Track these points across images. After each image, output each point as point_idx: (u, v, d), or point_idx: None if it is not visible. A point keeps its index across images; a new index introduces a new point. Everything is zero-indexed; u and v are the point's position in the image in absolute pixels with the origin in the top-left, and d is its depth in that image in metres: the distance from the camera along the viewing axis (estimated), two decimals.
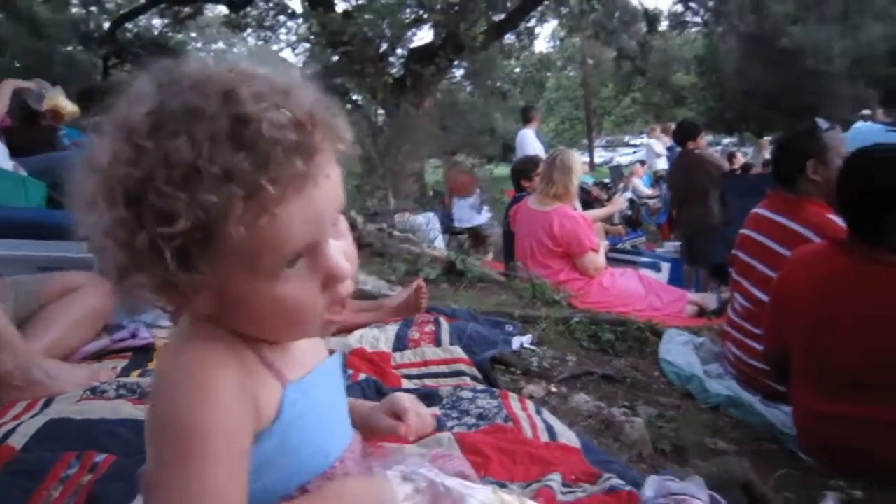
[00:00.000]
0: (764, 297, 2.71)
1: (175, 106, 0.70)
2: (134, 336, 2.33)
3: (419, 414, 1.03)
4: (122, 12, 17.36)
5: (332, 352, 1.01)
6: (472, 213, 9.03)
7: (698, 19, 16.87)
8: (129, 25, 17.42)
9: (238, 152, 0.68)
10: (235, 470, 0.75)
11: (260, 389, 0.80)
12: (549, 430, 1.74)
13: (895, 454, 1.98)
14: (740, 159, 11.47)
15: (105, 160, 0.70)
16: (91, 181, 0.72)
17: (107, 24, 17.50)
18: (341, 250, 0.80)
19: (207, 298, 0.75)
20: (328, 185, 0.75)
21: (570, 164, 4.52)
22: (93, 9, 18.43)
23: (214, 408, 0.74)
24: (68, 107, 3.78)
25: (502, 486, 1.34)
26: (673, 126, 9.97)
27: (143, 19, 18.08)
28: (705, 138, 7.96)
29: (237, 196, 0.68)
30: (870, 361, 2.04)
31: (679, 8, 17.28)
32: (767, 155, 9.87)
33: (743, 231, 3.02)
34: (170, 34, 18.34)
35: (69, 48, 18.39)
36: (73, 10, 18.26)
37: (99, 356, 2.25)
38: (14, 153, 3.32)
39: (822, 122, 2.86)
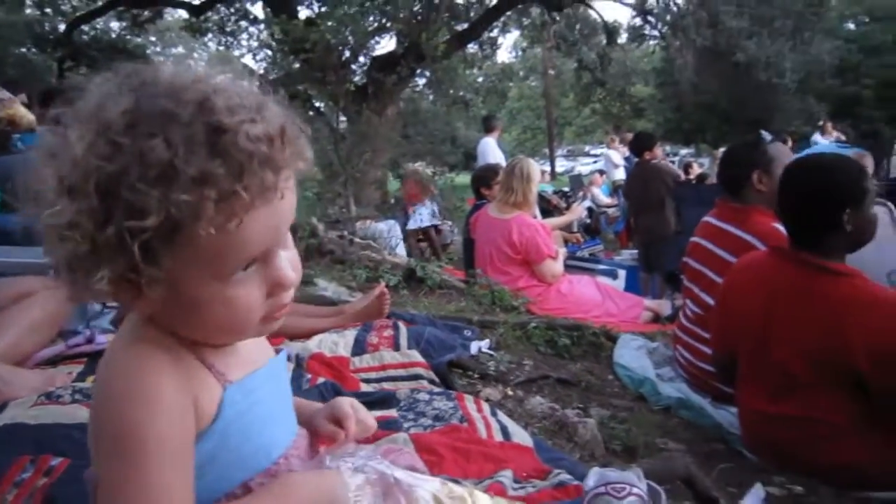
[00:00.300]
0: (712, 303, 2.80)
1: (151, 108, 0.72)
2: (90, 341, 2.31)
3: (360, 420, 1.04)
4: (78, 14, 17.00)
5: (278, 351, 1.04)
6: (428, 217, 9.15)
7: (656, 32, 17.20)
8: (85, 28, 17.07)
9: (214, 159, 0.71)
10: (179, 471, 0.78)
11: (200, 390, 0.83)
12: (504, 430, 1.79)
13: (832, 452, 2.08)
14: (696, 170, 11.78)
15: (77, 151, 0.71)
16: (58, 171, 0.73)
17: (62, 26, 17.15)
18: (289, 260, 0.84)
19: (158, 295, 0.76)
20: (289, 198, 0.79)
21: (529, 172, 4.60)
22: (48, 10, 18.04)
23: (155, 413, 0.77)
24: (26, 116, 3.72)
25: (455, 482, 1.39)
26: (630, 137, 10.19)
27: (100, 22, 17.76)
28: (662, 149, 8.16)
29: (209, 199, 0.71)
30: (806, 363, 2.14)
31: (638, 21, 17.61)
32: None
33: (693, 239, 3.13)
34: (128, 37, 18.05)
35: (23, 50, 17.96)
36: (28, 10, 17.85)
37: (54, 362, 2.22)
38: None
39: (766, 135, 2.99)
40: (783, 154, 3.02)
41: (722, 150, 13.30)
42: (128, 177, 0.70)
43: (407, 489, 0.84)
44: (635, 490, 1.08)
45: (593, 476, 1.14)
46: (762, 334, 2.25)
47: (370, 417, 1.08)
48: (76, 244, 0.72)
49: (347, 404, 1.06)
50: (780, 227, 2.59)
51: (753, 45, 14.68)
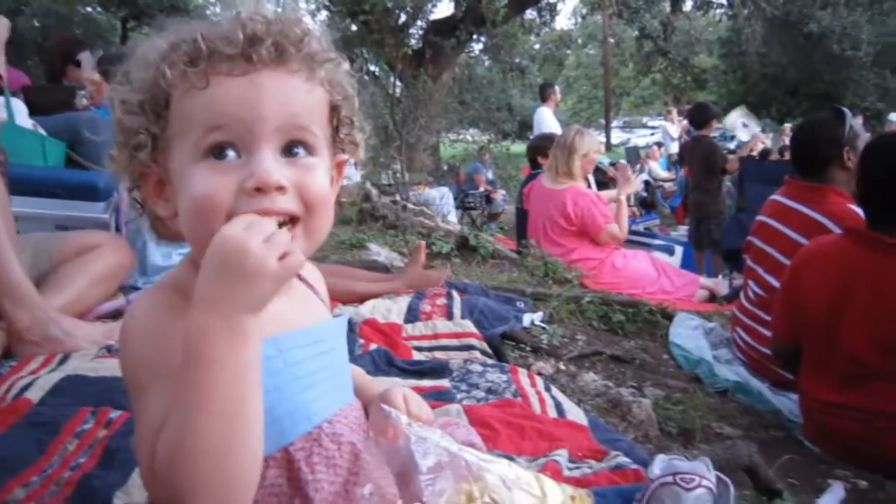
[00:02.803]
0: (778, 285, 2.69)
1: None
2: None
3: (410, 412, 0.97)
4: None
5: (337, 317, 1.01)
6: None
7: (724, 1, 16.56)
8: None
9: (207, 29, 0.81)
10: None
11: None
12: (558, 406, 1.75)
13: None
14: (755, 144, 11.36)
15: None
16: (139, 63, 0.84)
17: None
18: (294, 176, 0.80)
19: (169, 187, 0.84)
20: (279, 88, 0.81)
21: (572, 144, 4.48)
22: None
23: (159, 347, 0.77)
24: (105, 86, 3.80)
25: (510, 458, 1.36)
26: (675, 110, 9.89)
27: None
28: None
29: (184, 58, 0.79)
30: (879, 351, 2.03)
31: None
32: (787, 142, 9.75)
33: (759, 217, 3.00)
34: None
35: (89, 9, 18.34)
36: None
37: (114, 316, 2.27)
38: (33, 112, 3.32)
39: (847, 109, 2.82)
40: (862, 129, 2.86)
41: (787, 125, 12.89)
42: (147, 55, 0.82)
43: (476, 472, 0.81)
44: (705, 482, 1.03)
45: (659, 464, 1.09)
46: (832, 320, 2.15)
47: (424, 407, 1.02)
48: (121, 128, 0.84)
49: (400, 397, 0.99)
50: (856, 209, 2.46)
51: (827, 15, 14.02)
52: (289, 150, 0.81)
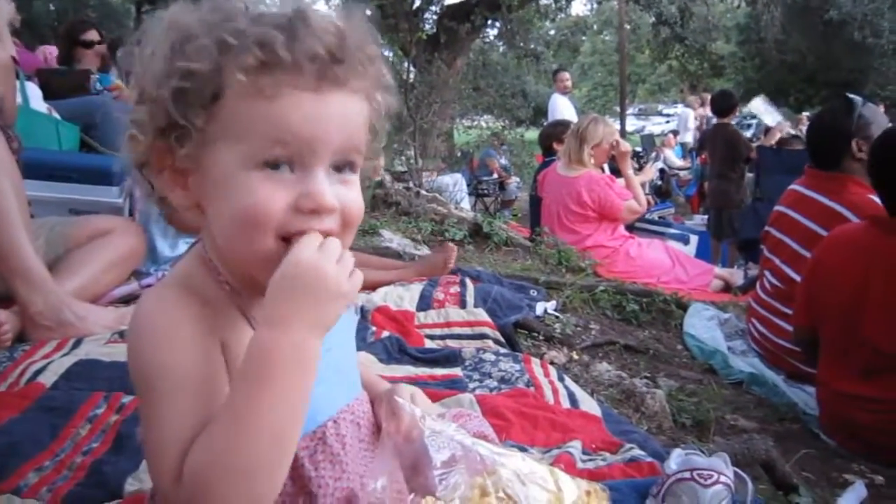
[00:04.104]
0: (795, 276, 2.66)
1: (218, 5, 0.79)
2: None
3: (412, 414, 0.94)
4: None
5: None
6: None
7: None
8: None
9: (273, 30, 0.74)
10: (200, 402, 0.75)
11: (230, 334, 0.80)
12: (571, 397, 1.74)
13: None
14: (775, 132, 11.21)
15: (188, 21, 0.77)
16: (158, 38, 0.78)
17: None
18: (341, 195, 0.79)
19: (193, 179, 0.79)
20: (342, 109, 0.78)
21: (584, 132, 4.47)
22: None
23: (172, 348, 0.76)
24: (125, 90, 3.83)
25: (522, 449, 1.35)
26: (708, 97, 9.74)
27: None
28: (739, 109, 7.78)
29: (258, 58, 0.73)
30: None
31: None
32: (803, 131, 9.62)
33: (778, 208, 2.96)
34: None
35: None
36: None
37: (127, 300, 2.28)
38: (48, 96, 3.33)
39: (856, 98, 2.76)
40: (879, 116, 2.80)
41: (805, 114, 12.72)
42: (197, 37, 0.75)
43: (491, 466, 0.79)
44: (723, 478, 1.01)
45: (676, 458, 1.07)
46: (854, 310, 2.12)
47: (431, 406, 1.01)
48: (138, 110, 0.78)
49: (408, 394, 0.98)
50: (876, 199, 2.42)
51: (849, 1, 13.78)
52: (338, 168, 0.80)
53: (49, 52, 4.84)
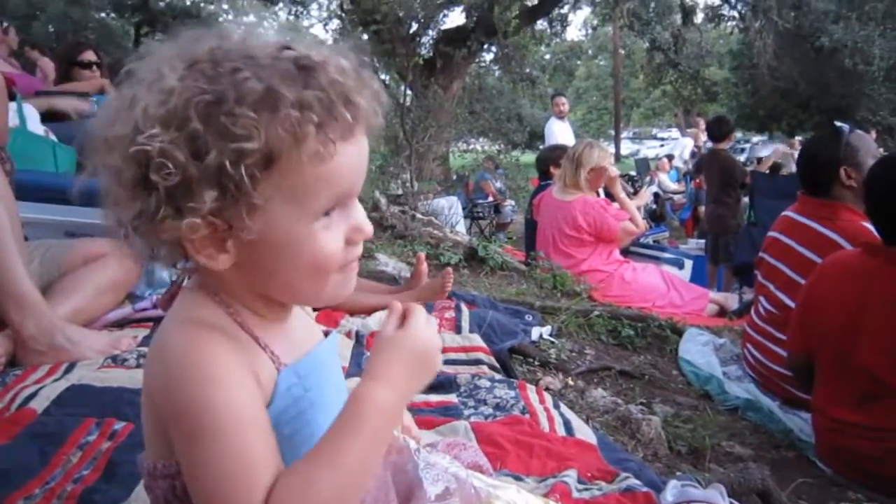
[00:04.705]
0: (789, 302, 2.66)
1: (236, 47, 0.75)
2: (156, 306, 2.34)
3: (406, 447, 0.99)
4: None
5: (326, 333, 0.99)
6: None
7: (735, 13, 16.52)
8: None
9: (307, 89, 0.73)
10: (261, 435, 0.75)
11: (258, 368, 0.80)
12: (566, 424, 1.73)
13: None
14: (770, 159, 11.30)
15: (172, 81, 0.72)
16: (147, 104, 0.72)
17: None
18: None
19: (248, 234, 0.75)
20: (364, 145, 0.81)
21: (580, 157, 4.49)
22: None
23: (222, 386, 0.75)
24: None
25: (518, 478, 1.34)
26: (702, 121, 9.80)
27: None
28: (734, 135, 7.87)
29: (311, 122, 0.72)
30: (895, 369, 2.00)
31: (716, 1, 16.97)
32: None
33: (771, 234, 2.97)
34: (202, 5, 18.38)
35: (102, 15, 18.49)
36: None
37: (121, 325, 2.26)
38: (45, 119, 3.33)
39: (843, 126, 2.79)
40: (867, 142, 2.81)
41: (797, 139, 12.82)
42: (227, 103, 0.71)
43: (486, 499, 0.79)
44: None
45: (672, 490, 1.07)
46: (849, 336, 2.12)
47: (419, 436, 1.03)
48: (167, 177, 0.71)
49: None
50: (869, 226, 2.43)
51: (840, 29, 13.96)
52: None
53: (45, 64, 4.86)
